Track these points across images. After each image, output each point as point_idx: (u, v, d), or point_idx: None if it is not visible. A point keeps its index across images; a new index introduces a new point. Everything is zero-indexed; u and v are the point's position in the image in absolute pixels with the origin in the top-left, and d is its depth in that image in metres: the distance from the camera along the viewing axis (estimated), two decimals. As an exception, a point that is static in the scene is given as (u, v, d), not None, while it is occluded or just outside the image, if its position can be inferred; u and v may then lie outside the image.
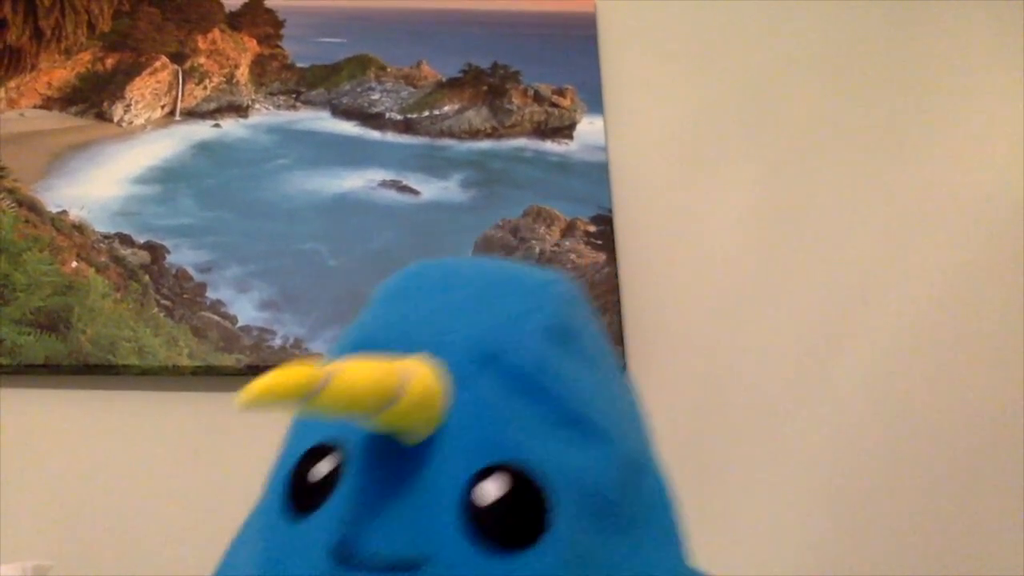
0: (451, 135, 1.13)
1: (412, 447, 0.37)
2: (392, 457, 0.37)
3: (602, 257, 1.05)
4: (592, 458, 0.39)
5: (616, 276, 1.04)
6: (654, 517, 0.42)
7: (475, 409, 0.37)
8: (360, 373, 0.33)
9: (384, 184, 1.09)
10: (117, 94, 1.11)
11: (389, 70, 1.17)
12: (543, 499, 0.36)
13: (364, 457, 0.37)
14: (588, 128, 1.14)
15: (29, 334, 0.96)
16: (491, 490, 0.35)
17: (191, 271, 1.02)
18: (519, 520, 0.35)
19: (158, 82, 1.13)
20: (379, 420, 0.34)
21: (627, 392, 0.47)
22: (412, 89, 1.16)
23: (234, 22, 1.17)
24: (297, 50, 1.17)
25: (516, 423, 0.38)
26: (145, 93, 1.12)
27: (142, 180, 1.06)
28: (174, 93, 1.12)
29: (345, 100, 1.14)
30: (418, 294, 0.44)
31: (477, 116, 1.14)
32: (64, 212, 1.03)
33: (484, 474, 0.36)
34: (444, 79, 1.16)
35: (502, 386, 0.39)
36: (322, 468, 0.38)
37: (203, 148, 1.09)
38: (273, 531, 0.38)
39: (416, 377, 0.35)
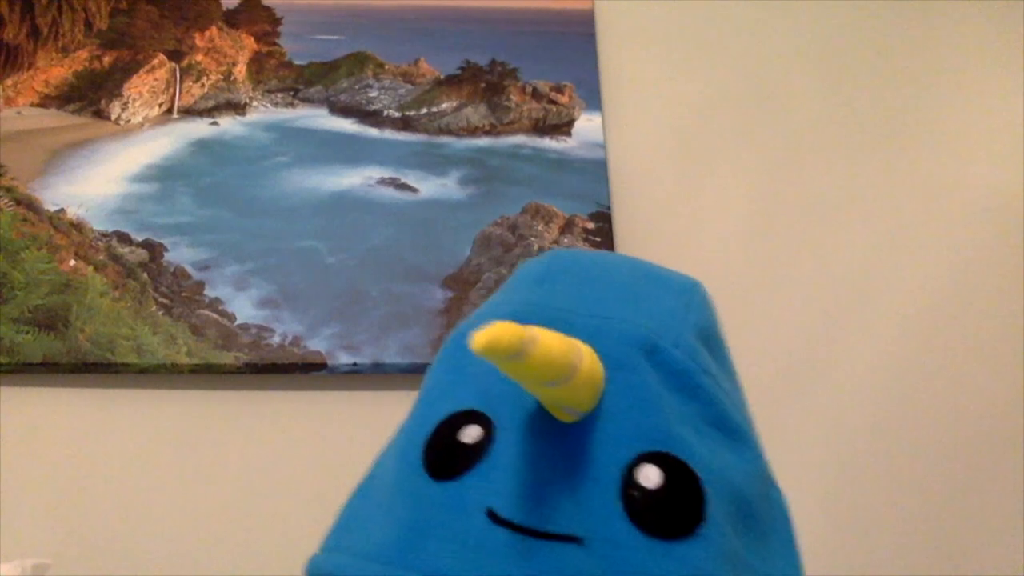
0: (449, 132, 1.13)
1: (568, 425, 0.37)
2: (549, 431, 0.37)
3: (601, 254, 1.05)
4: (738, 462, 0.40)
5: (615, 273, 1.04)
6: (781, 529, 0.43)
7: (636, 396, 0.38)
8: (553, 344, 0.33)
9: (382, 181, 1.09)
10: (114, 92, 1.11)
11: (387, 67, 1.16)
12: (701, 492, 0.37)
13: (516, 428, 0.38)
14: (586, 125, 1.14)
15: (27, 332, 0.96)
16: (653, 476, 0.36)
17: (189, 269, 1.02)
18: (679, 508, 0.36)
19: (156, 80, 1.12)
20: (553, 393, 0.35)
21: (748, 402, 0.48)
22: (410, 86, 1.15)
23: (232, 19, 1.17)
24: (295, 47, 1.17)
25: (674, 416, 0.39)
26: (143, 91, 1.12)
27: (140, 178, 1.06)
28: (172, 91, 1.12)
29: (343, 97, 1.14)
30: (568, 280, 0.44)
31: (475, 113, 1.14)
32: (62, 210, 1.03)
33: (643, 460, 0.36)
34: (442, 76, 1.16)
35: (660, 378, 0.39)
36: (470, 433, 0.38)
37: (201, 146, 1.09)
38: (417, 490, 0.38)
39: (586, 356, 0.36)
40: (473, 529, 0.35)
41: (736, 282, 1.09)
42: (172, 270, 1.01)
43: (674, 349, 0.41)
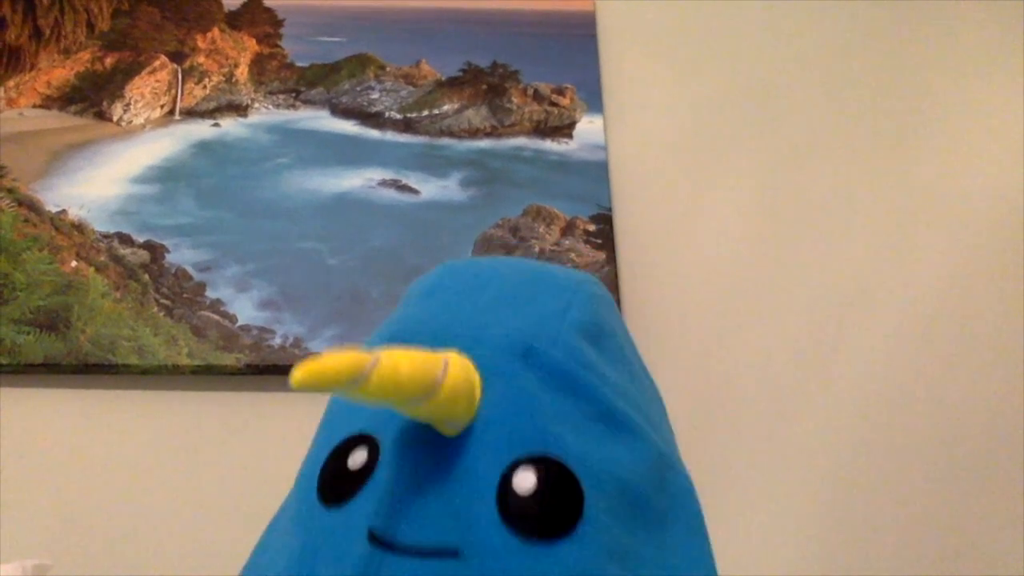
0: (450, 134, 1.13)
1: (447, 438, 0.37)
2: (428, 447, 0.37)
3: (602, 256, 1.05)
4: (625, 453, 0.40)
5: (615, 275, 1.04)
6: (682, 514, 0.43)
7: (512, 402, 0.38)
8: (403, 361, 0.33)
9: (383, 183, 1.09)
10: (116, 93, 1.11)
11: (388, 69, 1.17)
12: (578, 490, 0.37)
13: (399, 447, 0.38)
14: (588, 127, 1.14)
15: (28, 333, 0.96)
16: (527, 480, 0.36)
17: (190, 270, 1.02)
18: (555, 510, 0.36)
19: (157, 81, 1.13)
20: (419, 410, 0.35)
21: (654, 391, 0.48)
22: (411, 88, 1.15)
23: (233, 21, 1.17)
24: (296, 49, 1.17)
25: (552, 416, 0.39)
26: (144, 92, 1.12)
27: (141, 179, 1.06)
28: (173, 92, 1.12)
29: (344, 99, 1.14)
30: (452, 292, 0.45)
31: (476, 115, 1.14)
32: (63, 211, 1.03)
33: (520, 464, 0.37)
34: (443, 78, 1.16)
35: (538, 380, 0.39)
36: (357, 458, 0.38)
37: (202, 147, 1.09)
38: (309, 520, 0.39)
39: (454, 368, 0.36)
40: (354, 553, 0.35)
41: (738, 283, 1.09)
42: (173, 271, 1.01)
43: (551, 349, 0.41)
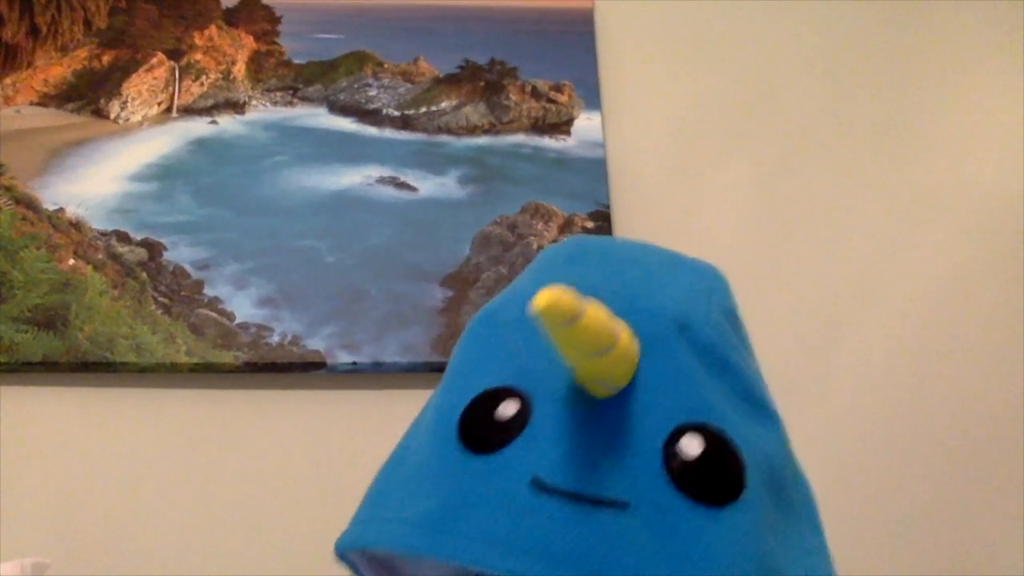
0: (449, 131, 1.13)
1: (602, 399, 0.38)
2: (584, 406, 0.38)
3: (600, 253, 1.05)
4: (767, 435, 0.42)
5: (614, 272, 1.04)
6: (807, 504, 0.44)
7: (672, 369, 0.40)
8: (600, 315, 0.34)
9: (382, 180, 1.09)
10: (114, 91, 1.11)
11: (386, 66, 1.16)
12: (740, 461, 0.38)
13: (555, 402, 0.38)
14: (586, 124, 1.14)
15: (27, 332, 0.96)
16: (693, 446, 0.37)
17: (188, 268, 1.01)
18: (721, 476, 0.38)
19: (155, 79, 1.12)
20: (592, 364, 0.36)
21: None
22: (409, 85, 1.15)
23: (231, 18, 1.17)
24: (294, 46, 1.16)
25: (708, 390, 0.40)
26: (142, 90, 1.12)
27: (139, 177, 1.06)
28: (171, 90, 1.12)
29: (342, 96, 1.14)
30: (594, 263, 0.46)
31: (475, 112, 1.14)
32: (61, 209, 1.03)
33: (683, 430, 0.38)
34: (441, 75, 1.16)
35: (693, 354, 0.41)
36: (508, 408, 0.39)
37: (200, 145, 1.09)
38: (454, 464, 0.39)
39: (624, 329, 0.37)
40: (519, 497, 0.36)
41: (735, 281, 1.08)
42: (171, 269, 1.01)
43: (704, 327, 0.42)
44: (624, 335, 0.36)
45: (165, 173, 1.07)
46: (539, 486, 0.36)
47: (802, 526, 0.43)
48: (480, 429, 0.39)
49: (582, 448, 0.37)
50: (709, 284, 0.46)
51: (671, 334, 0.41)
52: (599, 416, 0.38)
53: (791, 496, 0.43)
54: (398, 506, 0.40)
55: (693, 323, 0.42)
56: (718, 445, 0.38)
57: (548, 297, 0.31)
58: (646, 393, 0.39)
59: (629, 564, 0.34)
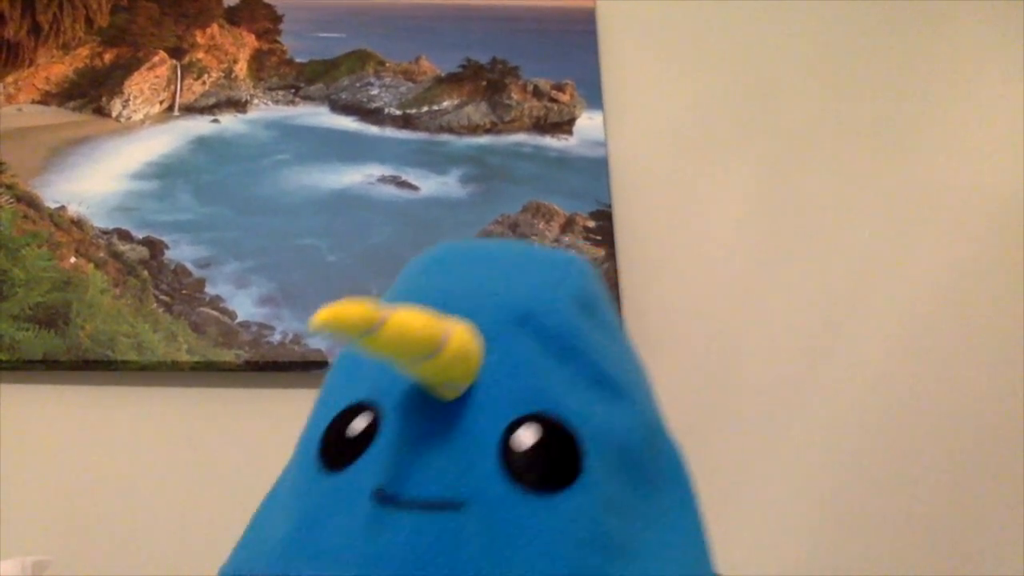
0: (450, 130, 1.13)
1: (448, 402, 0.39)
2: (428, 411, 0.39)
3: (601, 252, 1.05)
4: (619, 415, 0.42)
5: (615, 271, 1.04)
6: (674, 479, 0.45)
7: (511, 364, 0.40)
8: (412, 319, 0.35)
9: (383, 179, 1.09)
10: (115, 89, 1.11)
11: (388, 65, 1.16)
12: (576, 446, 0.38)
13: (401, 411, 0.39)
14: (587, 123, 1.13)
15: (28, 330, 0.96)
16: (527, 436, 0.38)
17: (190, 267, 1.02)
18: (555, 463, 0.38)
19: (156, 77, 1.12)
20: (422, 368, 0.36)
21: (639, 364, 0.49)
22: (411, 84, 1.15)
23: (232, 17, 1.17)
24: (296, 45, 1.16)
25: (549, 378, 0.40)
26: (143, 88, 1.12)
27: (140, 175, 1.06)
28: (172, 88, 1.12)
29: (344, 95, 1.14)
30: (449, 268, 0.46)
31: (476, 111, 1.14)
32: (63, 207, 1.03)
33: (520, 423, 0.38)
34: (443, 74, 1.16)
35: (536, 344, 0.41)
36: (358, 424, 0.40)
37: (201, 143, 1.09)
38: (310, 485, 0.40)
39: (457, 331, 0.37)
40: (360, 511, 0.36)
41: (737, 280, 1.09)
42: (173, 267, 1.01)
43: (548, 316, 0.42)
44: (456, 337, 0.37)
45: (166, 171, 1.07)
46: (381, 498, 0.36)
47: (666, 504, 0.43)
48: (334, 447, 0.40)
49: (421, 453, 0.37)
50: (561, 274, 0.46)
51: (513, 328, 0.41)
52: (442, 418, 0.38)
53: (651, 474, 0.43)
54: (262, 533, 0.42)
55: (537, 313, 0.42)
56: (554, 432, 0.38)
57: (327, 314, 0.32)
58: (484, 390, 0.39)
59: (462, 565, 0.35)
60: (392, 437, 0.38)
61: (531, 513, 0.36)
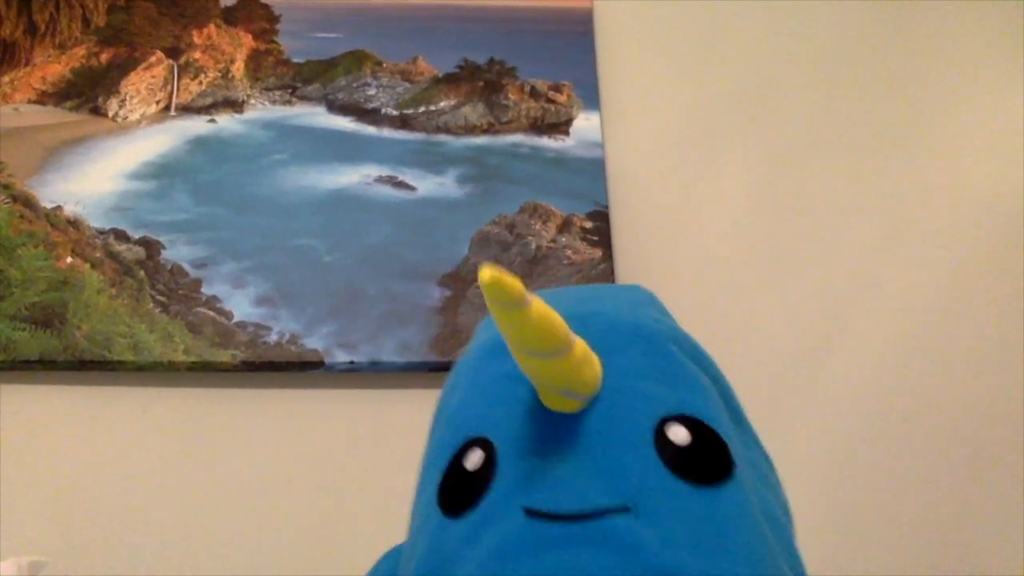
0: (447, 131, 1.13)
1: (569, 416, 0.38)
2: (555, 424, 0.38)
3: (598, 253, 1.05)
4: (721, 404, 0.44)
5: (612, 272, 1.04)
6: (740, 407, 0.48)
7: (632, 373, 0.41)
8: (551, 311, 0.35)
9: (380, 180, 1.09)
10: (112, 89, 1.11)
11: (385, 65, 1.16)
12: (724, 443, 0.40)
13: (516, 439, 0.39)
14: (584, 124, 1.14)
15: (24, 330, 0.96)
16: (681, 433, 0.38)
17: (186, 267, 1.01)
18: (713, 459, 0.39)
19: (153, 77, 1.12)
20: (551, 366, 0.36)
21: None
22: (408, 84, 1.15)
23: (229, 17, 1.17)
24: (293, 45, 1.16)
25: (675, 381, 0.41)
26: (140, 88, 1.12)
27: (137, 175, 1.06)
28: (169, 88, 1.12)
29: (341, 95, 1.14)
30: (542, 297, 0.48)
31: (473, 112, 1.14)
32: (59, 207, 1.03)
33: (665, 422, 0.39)
34: (440, 74, 1.16)
35: (650, 353, 0.42)
36: (474, 459, 0.39)
37: (198, 143, 1.09)
38: (440, 533, 0.39)
39: (581, 341, 0.38)
40: (511, 530, 0.35)
41: (735, 281, 1.09)
42: (169, 268, 1.01)
43: (650, 328, 0.44)
44: (581, 343, 0.37)
45: (163, 171, 1.07)
46: (535, 515, 0.36)
47: (750, 436, 0.46)
48: (453, 490, 0.40)
49: (564, 468, 0.37)
50: (644, 296, 0.49)
51: (623, 340, 0.42)
52: (564, 434, 0.38)
53: (741, 415, 0.46)
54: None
55: (641, 325, 0.44)
56: (701, 429, 0.39)
57: (493, 271, 0.32)
58: (618, 397, 0.39)
59: (652, 565, 0.34)
60: (515, 464, 0.38)
61: (704, 505, 0.36)
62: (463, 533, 0.37)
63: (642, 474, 0.37)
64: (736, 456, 0.40)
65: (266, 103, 1.13)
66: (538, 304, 0.34)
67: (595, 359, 0.39)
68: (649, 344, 0.42)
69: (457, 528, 0.38)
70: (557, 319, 0.35)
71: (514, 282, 0.32)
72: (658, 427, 0.38)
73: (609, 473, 0.37)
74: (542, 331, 0.34)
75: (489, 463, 0.38)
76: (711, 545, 0.35)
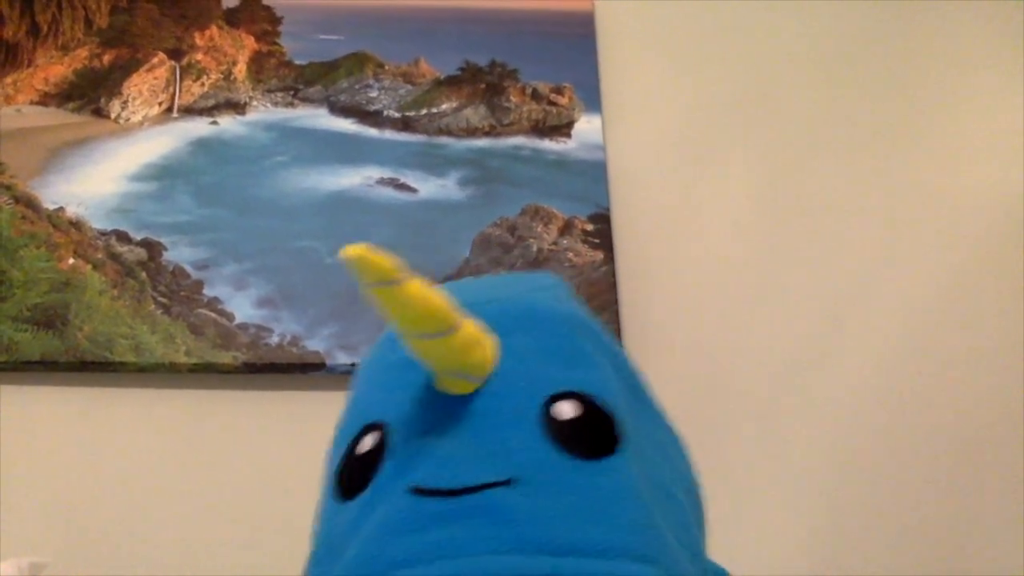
0: (449, 133, 1.13)
1: (461, 398, 0.39)
2: (446, 405, 0.39)
3: (599, 256, 1.05)
4: (613, 375, 0.44)
5: (614, 275, 1.04)
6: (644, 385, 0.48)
7: (525, 354, 0.41)
8: (430, 292, 0.35)
9: (381, 182, 1.09)
10: (114, 90, 1.11)
11: (387, 67, 1.17)
12: (610, 415, 0.40)
13: (407, 421, 0.39)
14: (586, 127, 1.14)
15: (26, 331, 0.96)
16: (567, 409, 0.39)
17: (188, 268, 1.01)
18: (598, 432, 0.39)
19: (155, 79, 1.12)
20: (433, 347, 0.36)
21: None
22: (410, 86, 1.15)
23: (232, 19, 1.17)
24: (295, 47, 1.17)
25: (567, 361, 0.42)
26: (142, 89, 1.12)
27: (139, 177, 1.06)
28: (171, 90, 1.12)
29: (343, 97, 1.14)
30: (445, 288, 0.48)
31: (475, 114, 1.14)
32: (61, 209, 1.03)
33: (553, 400, 0.39)
34: (442, 77, 1.16)
35: (539, 334, 0.43)
36: (367, 443, 0.40)
37: (200, 145, 1.09)
38: (332, 514, 0.40)
39: (472, 323, 0.38)
40: (398, 506, 0.36)
41: (736, 283, 1.09)
42: (171, 269, 1.01)
43: (551, 310, 0.44)
44: (470, 324, 0.37)
45: (165, 173, 1.07)
46: (419, 492, 0.36)
47: (651, 412, 0.46)
48: (347, 472, 0.40)
49: (449, 445, 0.37)
50: (548, 282, 0.49)
51: (516, 324, 0.42)
52: (460, 415, 0.39)
53: (641, 393, 0.46)
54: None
55: (539, 309, 0.44)
56: (589, 403, 0.39)
57: (359, 248, 0.32)
58: (507, 377, 0.40)
59: (530, 535, 0.34)
60: (405, 445, 0.38)
61: (586, 478, 0.37)
62: (353, 515, 0.38)
63: (526, 449, 0.37)
64: (628, 432, 0.40)
65: (268, 105, 1.13)
66: (415, 283, 0.34)
67: (486, 340, 0.39)
68: (543, 325, 0.43)
69: (348, 511, 0.38)
70: (438, 299, 0.35)
71: (382, 259, 0.33)
72: (546, 403, 0.39)
73: (493, 449, 0.37)
74: (421, 310, 0.35)
75: (380, 446, 0.39)
76: (587, 516, 0.35)
